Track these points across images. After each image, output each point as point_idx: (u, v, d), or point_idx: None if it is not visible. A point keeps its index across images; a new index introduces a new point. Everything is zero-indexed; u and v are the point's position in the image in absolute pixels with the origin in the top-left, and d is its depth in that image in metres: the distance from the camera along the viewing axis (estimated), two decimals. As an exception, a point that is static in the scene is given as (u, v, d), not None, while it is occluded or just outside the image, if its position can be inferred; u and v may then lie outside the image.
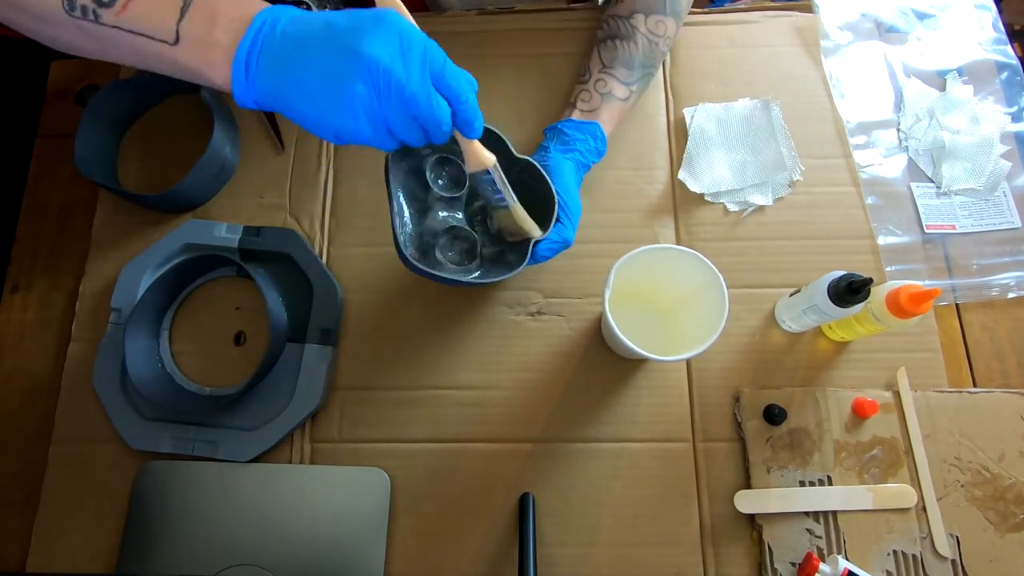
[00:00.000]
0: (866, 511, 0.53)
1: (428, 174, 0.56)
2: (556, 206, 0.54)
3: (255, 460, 0.56)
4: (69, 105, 0.69)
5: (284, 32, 0.37)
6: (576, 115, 0.60)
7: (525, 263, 0.53)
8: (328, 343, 0.58)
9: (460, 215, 0.58)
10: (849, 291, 0.49)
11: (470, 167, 0.47)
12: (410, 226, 0.55)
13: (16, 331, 0.62)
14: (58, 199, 0.66)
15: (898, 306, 0.49)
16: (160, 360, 0.59)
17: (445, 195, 0.56)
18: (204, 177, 0.63)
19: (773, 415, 0.55)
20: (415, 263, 0.51)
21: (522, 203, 0.52)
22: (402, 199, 0.55)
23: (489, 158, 0.46)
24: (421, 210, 0.56)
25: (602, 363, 0.59)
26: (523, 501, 0.54)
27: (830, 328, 0.58)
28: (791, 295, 0.56)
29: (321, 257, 0.62)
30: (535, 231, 0.53)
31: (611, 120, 0.60)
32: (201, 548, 0.53)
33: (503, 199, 0.50)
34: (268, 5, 0.38)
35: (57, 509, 0.56)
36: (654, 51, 0.61)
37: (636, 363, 0.59)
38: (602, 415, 0.57)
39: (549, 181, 0.55)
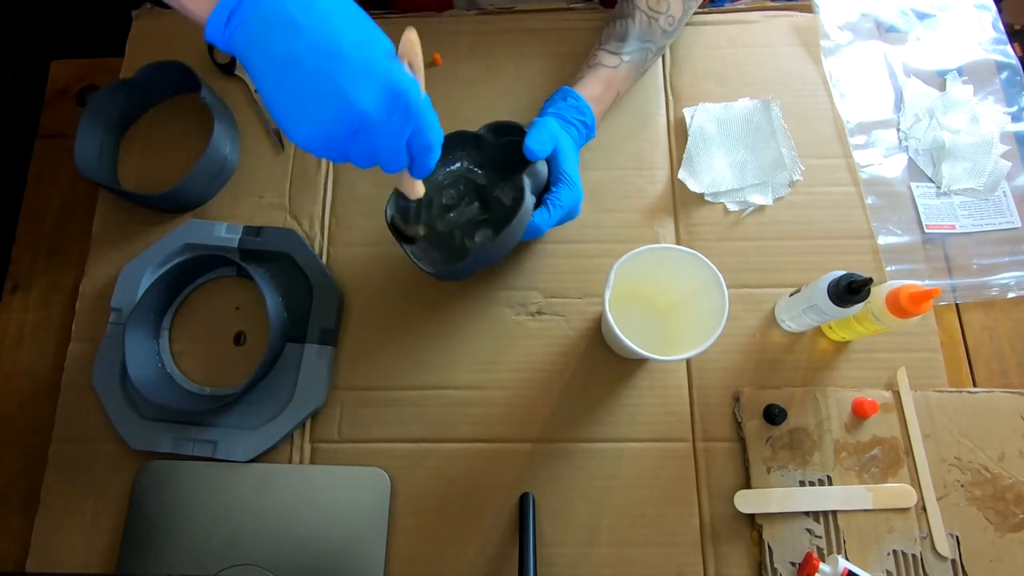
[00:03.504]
0: (866, 511, 0.53)
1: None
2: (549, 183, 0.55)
3: (255, 460, 0.56)
4: (69, 105, 0.69)
5: (286, 10, 0.34)
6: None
7: (523, 205, 0.52)
8: (328, 343, 0.58)
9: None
10: (849, 291, 0.49)
11: (402, 188, 0.47)
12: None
13: (16, 331, 0.62)
14: (58, 199, 0.66)
15: (898, 306, 0.49)
16: (160, 360, 0.59)
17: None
18: (204, 177, 0.63)
19: (773, 415, 0.55)
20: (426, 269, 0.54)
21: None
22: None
23: (420, 191, 0.47)
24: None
25: (602, 363, 0.59)
26: (523, 501, 0.54)
27: (830, 328, 0.58)
28: (791, 295, 0.56)
29: (321, 257, 0.62)
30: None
31: (596, 83, 0.61)
32: (201, 548, 0.53)
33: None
34: None
35: (57, 509, 0.56)
36: (652, 27, 0.62)
37: (636, 363, 0.59)
38: (602, 415, 0.57)
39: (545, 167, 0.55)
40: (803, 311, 0.54)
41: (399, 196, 0.52)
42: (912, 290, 0.49)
